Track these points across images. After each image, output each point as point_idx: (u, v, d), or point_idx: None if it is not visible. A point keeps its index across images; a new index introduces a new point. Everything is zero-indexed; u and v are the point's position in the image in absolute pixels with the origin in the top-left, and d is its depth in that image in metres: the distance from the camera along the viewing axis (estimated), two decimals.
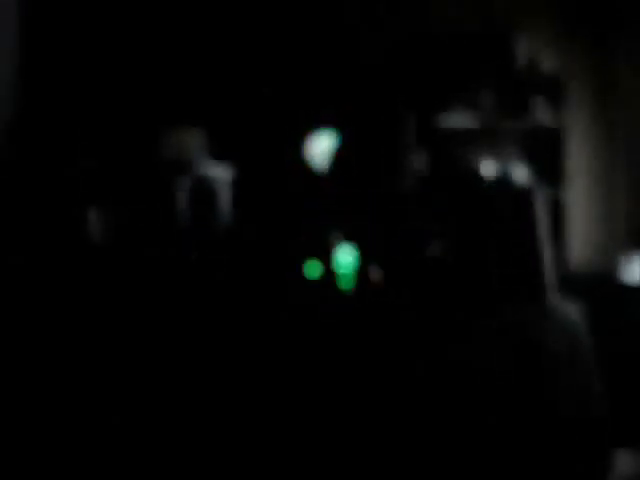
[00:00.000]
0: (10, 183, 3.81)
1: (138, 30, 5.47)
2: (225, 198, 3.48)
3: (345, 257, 3.50)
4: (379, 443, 2.80)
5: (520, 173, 5.28)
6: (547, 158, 5.41)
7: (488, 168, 5.35)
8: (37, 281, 3.22)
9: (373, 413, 2.83)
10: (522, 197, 3.26)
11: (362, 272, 3.41)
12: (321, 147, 4.15)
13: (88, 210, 3.63)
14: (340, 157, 3.56)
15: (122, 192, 3.70)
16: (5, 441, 2.93)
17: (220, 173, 3.51)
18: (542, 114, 5.40)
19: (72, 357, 3.01)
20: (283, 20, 5.53)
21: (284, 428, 2.84)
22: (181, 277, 3.26)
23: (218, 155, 3.68)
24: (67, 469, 2.90)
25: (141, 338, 3.02)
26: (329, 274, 3.43)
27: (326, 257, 3.51)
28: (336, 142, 3.83)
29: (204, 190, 3.46)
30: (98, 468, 2.89)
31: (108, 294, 3.15)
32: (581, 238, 5.44)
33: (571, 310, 3.19)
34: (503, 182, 5.03)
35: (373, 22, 5.54)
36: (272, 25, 5.52)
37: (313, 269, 3.51)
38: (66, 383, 2.98)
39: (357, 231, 3.62)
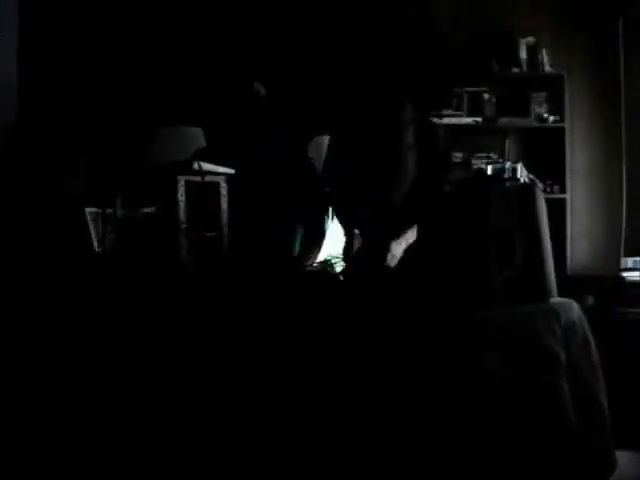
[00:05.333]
0: (9, 184, 3.81)
1: (137, 30, 5.48)
2: (225, 198, 3.48)
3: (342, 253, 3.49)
4: (383, 441, 2.80)
5: (521, 172, 5.28)
6: (548, 157, 5.41)
7: (489, 167, 5.35)
8: (37, 285, 3.21)
9: (376, 411, 2.82)
10: (524, 196, 3.26)
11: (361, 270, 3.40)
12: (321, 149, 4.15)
13: (86, 213, 3.63)
14: (339, 158, 3.55)
15: (121, 193, 3.70)
16: (5, 443, 2.93)
17: (219, 173, 3.50)
18: (543, 113, 5.39)
19: (72, 359, 3.01)
20: (282, 20, 5.53)
21: (284, 428, 2.84)
22: (181, 278, 3.26)
23: (217, 155, 3.67)
24: (67, 469, 2.90)
25: (141, 336, 3.01)
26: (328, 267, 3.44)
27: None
28: (334, 143, 3.82)
29: (205, 190, 3.45)
30: (98, 468, 2.89)
31: (108, 297, 3.14)
32: (581, 237, 5.43)
33: (572, 309, 3.19)
34: (504, 182, 5.03)
35: (373, 22, 5.54)
36: (271, 26, 5.52)
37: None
38: (68, 387, 2.98)
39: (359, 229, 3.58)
